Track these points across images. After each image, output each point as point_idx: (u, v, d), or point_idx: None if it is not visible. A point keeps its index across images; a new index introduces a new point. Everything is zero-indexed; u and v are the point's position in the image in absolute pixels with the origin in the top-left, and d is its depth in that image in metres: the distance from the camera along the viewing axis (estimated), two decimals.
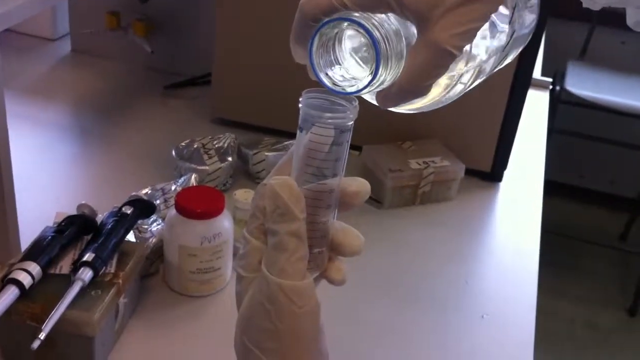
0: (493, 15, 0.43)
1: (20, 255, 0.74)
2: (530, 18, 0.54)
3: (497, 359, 0.83)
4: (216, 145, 1.07)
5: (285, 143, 1.10)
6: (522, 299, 0.94)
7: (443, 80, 0.48)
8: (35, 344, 0.65)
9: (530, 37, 0.58)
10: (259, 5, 1.14)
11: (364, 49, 0.45)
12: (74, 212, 0.83)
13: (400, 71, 0.44)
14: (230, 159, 1.06)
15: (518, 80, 1.11)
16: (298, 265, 0.45)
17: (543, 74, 1.65)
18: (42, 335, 0.65)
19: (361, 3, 0.42)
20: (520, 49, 0.56)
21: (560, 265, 2.72)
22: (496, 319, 0.89)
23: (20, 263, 0.71)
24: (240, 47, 1.18)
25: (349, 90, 0.45)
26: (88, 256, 0.73)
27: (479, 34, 0.43)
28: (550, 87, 1.61)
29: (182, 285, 0.86)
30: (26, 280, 0.70)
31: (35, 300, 0.70)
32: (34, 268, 0.71)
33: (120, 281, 0.75)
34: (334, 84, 0.45)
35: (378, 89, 0.45)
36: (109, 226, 0.79)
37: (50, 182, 1.08)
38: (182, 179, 0.98)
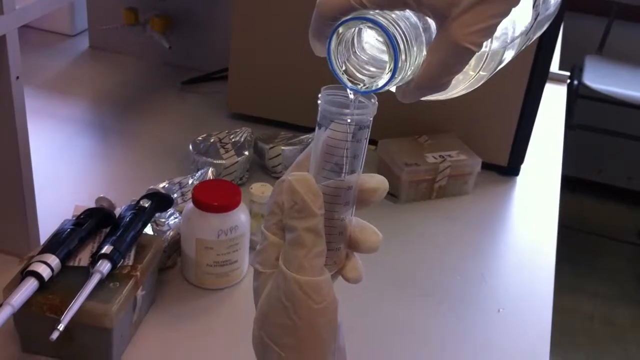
0: None
1: (39, 248, 0.75)
2: None
3: (513, 353, 0.83)
4: (233, 140, 1.08)
5: (302, 137, 1.10)
6: (539, 293, 0.93)
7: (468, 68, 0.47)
8: (54, 335, 0.66)
9: (554, 16, 0.56)
10: (275, 1, 1.14)
11: (383, 47, 0.44)
12: (92, 205, 0.84)
13: (420, 67, 0.44)
14: (246, 153, 1.06)
15: (535, 74, 1.10)
16: (316, 261, 0.45)
17: (561, 68, 1.64)
18: (60, 327, 0.66)
19: (378, 1, 0.42)
20: (544, 28, 0.55)
21: (578, 261, 2.70)
22: (512, 313, 0.89)
23: (39, 255, 0.72)
24: (256, 43, 1.19)
25: (368, 88, 0.45)
26: (106, 249, 0.74)
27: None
28: (568, 81, 1.60)
29: (199, 278, 0.86)
30: (45, 272, 0.71)
31: (54, 292, 0.71)
32: (53, 260, 0.72)
33: (138, 273, 0.75)
34: (353, 81, 0.45)
35: (398, 84, 0.45)
36: (127, 219, 0.80)
37: (69, 176, 1.09)
38: (199, 172, 0.99)
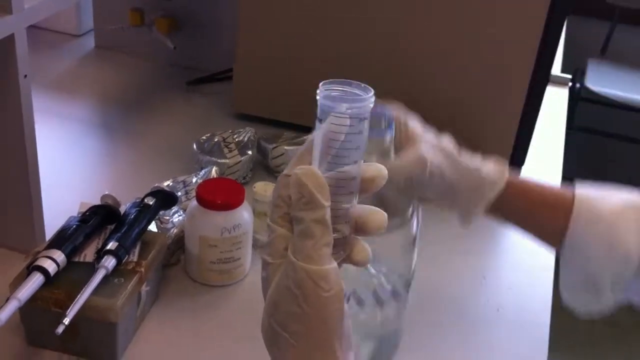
0: None
1: (45, 244, 0.76)
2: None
3: (512, 352, 0.84)
4: (236, 139, 1.09)
5: (305, 137, 1.11)
6: (538, 293, 0.94)
7: None
8: (60, 329, 0.67)
9: None
10: (280, 1, 1.16)
11: None
12: (97, 202, 0.85)
13: None
14: (250, 152, 1.08)
15: (537, 77, 1.11)
16: (323, 251, 0.46)
17: (563, 71, 1.65)
18: (66, 321, 0.67)
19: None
20: None
21: None
22: (512, 313, 0.90)
23: (45, 251, 0.74)
24: (261, 44, 1.20)
25: None
26: (111, 245, 0.76)
27: None
28: (570, 84, 1.61)
29: (203, 275, 0.88)
30: (51, 267, 0.72)
31: (59, 286, 0.72)
32: (59, 256, 0.73)
33: (143, 269, 0.77)
34: None
35: None
36: (132, 216, 0.81)
37: (74, 174, 1.11)
38: (203, 171, 1.00)
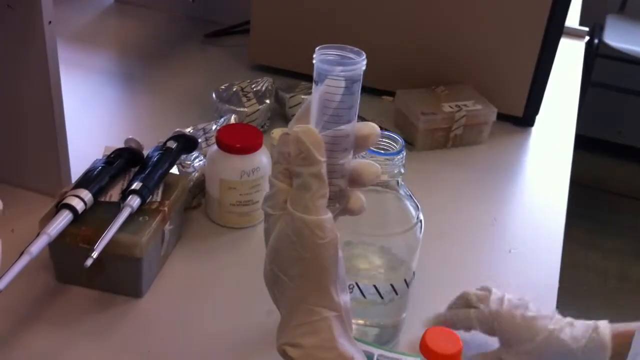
0: None
1: (72, 185, 0.79)
2: None
3: (523, 290, 0.87)
4: (254, 89, 1.11)
5: None
6: (550, 235, 0.97)
7: None
8: (88, 262, 0.70)
9: None
10: None
11: None
12: (121, 146, 0.87)
13: None
14: (267, 101, 1.10)
15: (551, 26, 1.12)
16: (320, 202, 0.50)
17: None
18: (94, 254, 0.70)
19: None
20: None
21: (594, 219, 2.72)
22: (523, 253, 0.93)
23: (73, 190, 0.77)
24: None
25: None
26: (136, 185, 0.78)
27: None
28: (587, 38, 1.61)
29: (223, 218, 0.91)
30: (79, 205, 0.75)
31: (87, 224, 0.75)
32: (86, 195, 0.76)
33: (166, 209, 0.80)
34: None
35: None
36: (155, 159, 0.84)
37: (98, 121, 1.14)
38: (222, 119, 1.03)
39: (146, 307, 0.79)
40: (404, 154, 0.65)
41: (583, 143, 1.34)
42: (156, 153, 0.85)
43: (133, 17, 1.49)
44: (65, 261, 0.79)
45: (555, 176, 1.11)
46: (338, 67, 0.50)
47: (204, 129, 1.01)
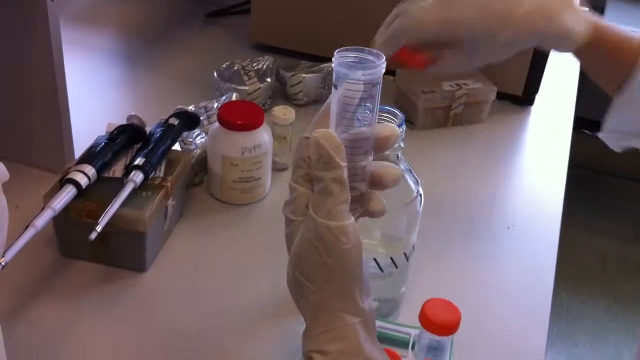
0: None
1: (75, 161, 0.80)
2: None
3: (521, 266, 0.88)
4: (255, 67, 1.12)
5: (322, 66, 1.14)
6: (548, 213, 0.97)
7: None
8: (92, 235, 0.71)
9: None
10: None
11: None
12: (124, 123, 0.88)
13: None
14: (269, 80, 1.10)
15: None
16: (342, 207, 0.50)
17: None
18: (98, 228, 0.71)
19: None
20: None
21: (594, 201, 2.73)
22: (521, 230, 0.94)
23: (76, 166, 0.77)
24: None
25: None
26: (139, 161, 0.79)
27: None
28: None
29: (225, 194, 0.92)
30: (83, 180, 0.76)
31: (91, 199, 0.76)
32: (90, 170, 0.77)
33: (169, 184, 0.80)
34: None
35: None
36: (157, 135, 0.85)
37: (101, 99, 1.15)
38: (224, 97, 1.03)
39: (150, 281, 0.80)
40: (404, 128, 0.65)
41: (584, 125, 1.35)
42: (158, 129, 0.86)
43: None
44: (70, 236, 0.80)
45: (554, 155, 1.11)
46: (358, 71, 0.49)
47: (205, 107, 1.02)
